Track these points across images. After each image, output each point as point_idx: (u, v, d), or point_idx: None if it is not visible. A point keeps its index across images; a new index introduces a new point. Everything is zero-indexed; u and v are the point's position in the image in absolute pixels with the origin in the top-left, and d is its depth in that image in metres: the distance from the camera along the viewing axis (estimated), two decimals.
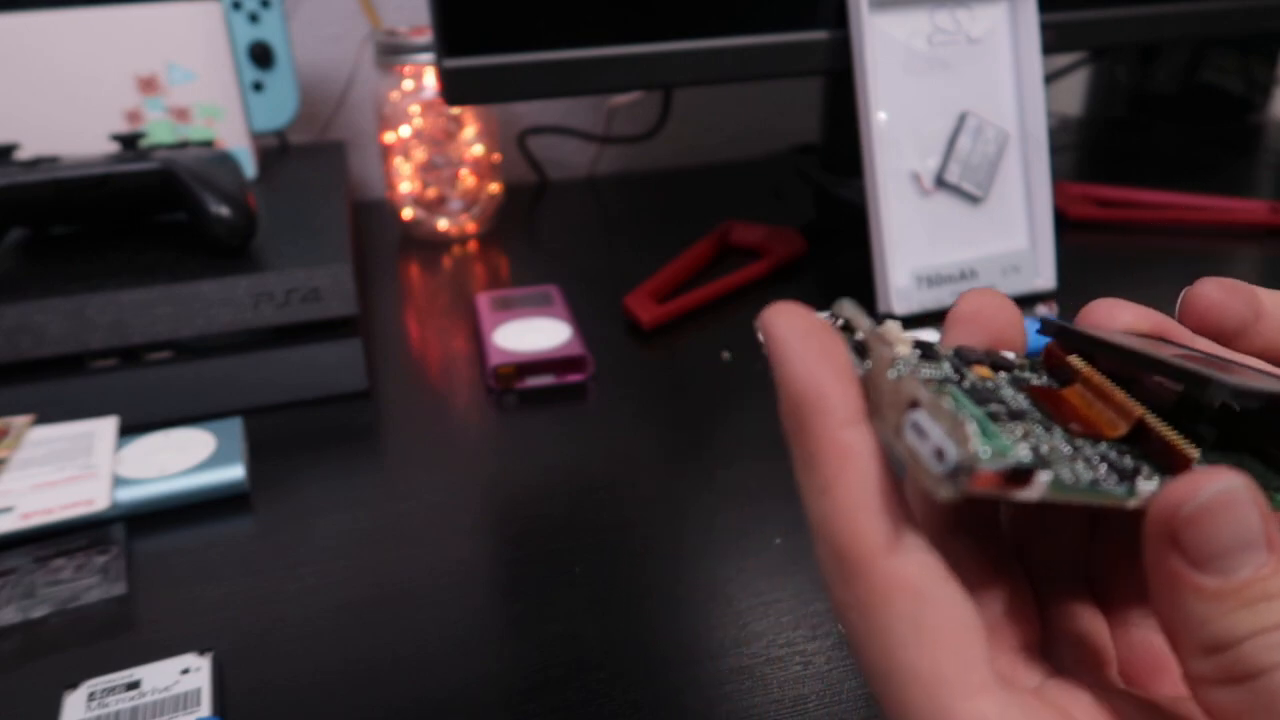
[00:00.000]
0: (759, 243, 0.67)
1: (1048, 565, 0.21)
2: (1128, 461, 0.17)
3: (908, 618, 0.15)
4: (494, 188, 0.73)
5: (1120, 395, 0.19)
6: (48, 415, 0.45)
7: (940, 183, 0.59)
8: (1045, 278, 0.60)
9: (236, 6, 0.67)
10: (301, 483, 0.43)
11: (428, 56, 0.67)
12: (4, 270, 0.50)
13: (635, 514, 0.41)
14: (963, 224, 0.59)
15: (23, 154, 0.55)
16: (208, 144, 0.55)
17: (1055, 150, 0.64)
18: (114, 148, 0.59)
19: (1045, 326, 0.21)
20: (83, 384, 0.46)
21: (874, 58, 0.57)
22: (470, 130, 0.70)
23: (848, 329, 0.19)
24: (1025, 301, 0.59)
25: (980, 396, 0.18)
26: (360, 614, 0.35)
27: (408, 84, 0.68)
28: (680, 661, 0.33)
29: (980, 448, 0.15)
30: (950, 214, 0.59)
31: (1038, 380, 0.20)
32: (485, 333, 0.53)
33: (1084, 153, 0.93)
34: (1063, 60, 0.97)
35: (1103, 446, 0.18)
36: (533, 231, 0.76)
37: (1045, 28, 0.60)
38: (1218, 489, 0.15)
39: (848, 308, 0.18)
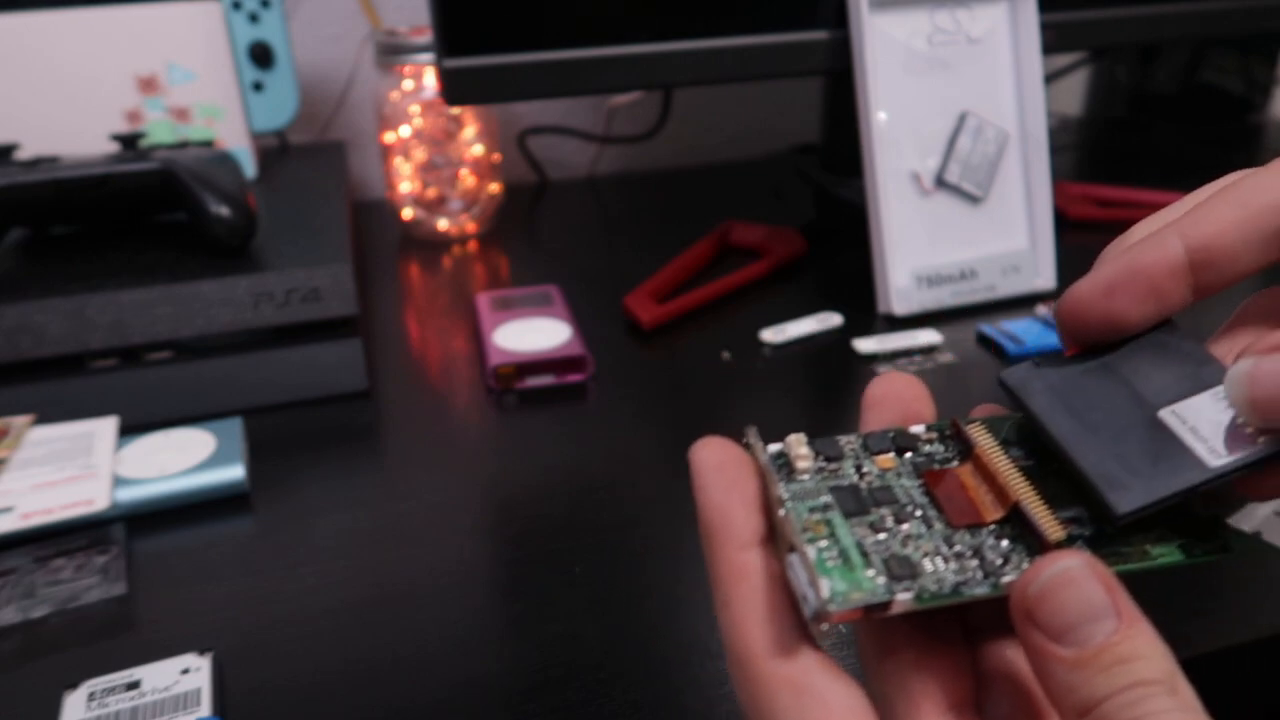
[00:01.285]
0: (759, 243, 0.67)
1: (984, 617, 0.21)
2: (1004, 546, 0.19)
3: (792, 710, 0.17)
4: (494, 188, 0.73)
5: (1003, 477, 0.20)
6: (48, 415, 0.45)
7: (940, 183, 0.59)
8: (1045, 278, 0.60)
9: (236, 6, 0.67)
10: (301, 483, 0.43)
11: (428, 56, 0.67)
12: (4, 270, 0.50)
13: (635, 514, 0.40)
14: (963, 224, 0.59)
15: (23, 154, 0.55)
16: (208, 144, 0.55)
17: (1055, 150, 0.64)
18: (114, 148, 0.59)
19: (1004, 381, 0.21)
20: (83, 384, 0.46)
21: (874, 58, 0.57)
22: (470, 130, 0.70)
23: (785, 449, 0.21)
24: (1025, 301, 0.59)
25: (872, 500, 0.20)
26: (360, 614, 0.35)
27: (408, 84, 0.68)
28: (680, 661, 0.33)
29: (830, 595, 0.18)
30: (950, 214, 0.59)
31: (943, 453, 0.21)
32: (485, 333, 0.53)
33: (1084, 153, 0.93)
34: (1063, 60, 0.97)
35: (983, 534, 0.19)
36: (533, 231, 0.76)
37: (1045, 28, 0.60)
38: (1057, 569, 0.17)
39: (750, 435, 0.20)
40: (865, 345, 0.53)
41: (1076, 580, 0.17)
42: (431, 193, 0.71)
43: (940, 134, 0.59)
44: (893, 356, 0.53)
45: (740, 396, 0.50)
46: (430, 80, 0.68)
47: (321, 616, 0.35)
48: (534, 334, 0.53)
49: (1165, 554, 0.19)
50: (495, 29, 0.54)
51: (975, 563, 0.19)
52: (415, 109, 0.69)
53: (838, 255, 0.67)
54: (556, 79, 0.56)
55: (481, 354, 0.53)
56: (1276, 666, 0.35)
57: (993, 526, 0.20)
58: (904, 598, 0.18)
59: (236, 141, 0.65)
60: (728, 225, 0.69)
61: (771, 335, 0.55)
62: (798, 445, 0.21)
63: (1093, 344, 0.21)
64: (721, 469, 0.19)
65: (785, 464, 0.21)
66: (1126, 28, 0.67)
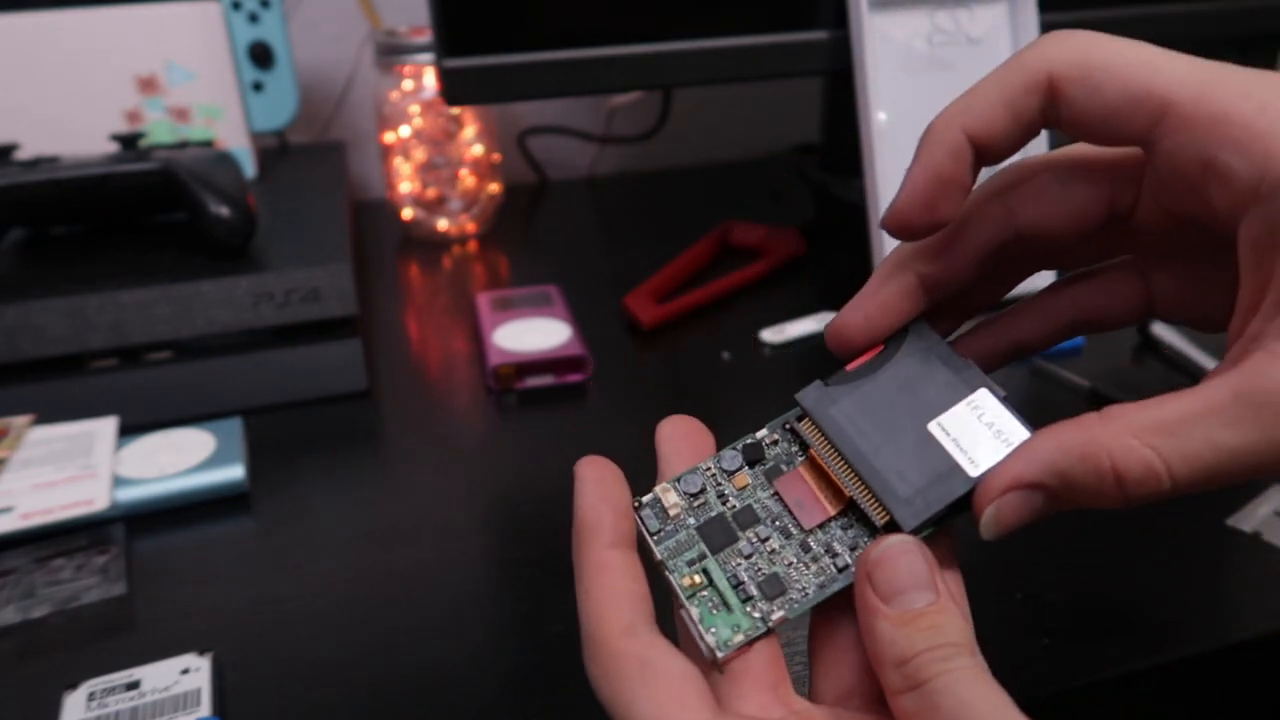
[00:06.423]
0: (759, 243, 0.67)
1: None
2: (850, 535, 0.23)
3: (635, 679, 0.20)
4: (494, 188, 0.73)
5: (835, 476, 0.23)
6: (48, 415, 0.45)
7: None
8: (1044, 277, 0.60)
9: (236, 6, 0.67)
10: (301, 483, 0.43)
11: (428, 56, 0.67)
12: (4, 270, 0.50)
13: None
14: None
15: (23, 154, 0.55)
16: (208, 144, 0.55)
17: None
18: (114, 148, 0.59)
19: (802, 403, 0.24)
20: (83, 384, 0.46)
21: (874, 58, 0.57)
22: (470, 130, 0.70)
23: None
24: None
25: (737, 524, 0.23)
26: (360, 614, 0.35)
27: (408, 84, 0.68)
28: None
29: (716, 644, 0.22)
30: None
31: (787, 450, 0.25)
32: (485, 333, 0.53)
33: None
34: None
35: (832, 527, 0.23)
36: (533, 231, 0.76)
37: (1045, 28, 0.60)
38: (892, 543, 0.21)
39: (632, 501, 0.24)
40: None
41: (908, 553, 0.21)
42: (431, 193, 0.71)
43: None
44: None
45: (740, 396, 0.50)
46: (430, 80, 0.68)
47: (321, 616, 0.35)
48: (534, 334, 0.53)
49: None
50: (495, 29, 0.54)
51: (828, 558, 0.23)
52: (415, 109, 0.69)
53: (837, 255, 0.67)
54: (556, 79, 0.56)
55: (481, 354, 0.53)
56: (1278, 665, 0.35)
57: (837, 519, 0.23)
58: (779, 616, 0.22)
59: (236, 141, 0.65)
60: (727, 225, 0.69)
61: (771, 335, 0.55)
62: (665, 495, 0.24)
63: (867, 348, 0.24)
64: (601, 481, 0.23)
65: (660, 509, 0.24)
66: (1126, 28, 0.67)
